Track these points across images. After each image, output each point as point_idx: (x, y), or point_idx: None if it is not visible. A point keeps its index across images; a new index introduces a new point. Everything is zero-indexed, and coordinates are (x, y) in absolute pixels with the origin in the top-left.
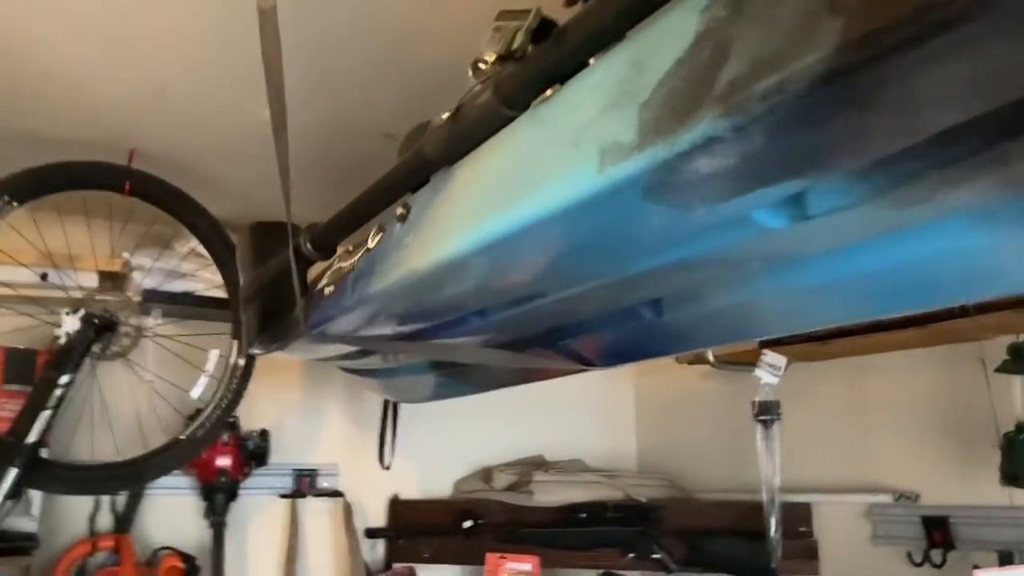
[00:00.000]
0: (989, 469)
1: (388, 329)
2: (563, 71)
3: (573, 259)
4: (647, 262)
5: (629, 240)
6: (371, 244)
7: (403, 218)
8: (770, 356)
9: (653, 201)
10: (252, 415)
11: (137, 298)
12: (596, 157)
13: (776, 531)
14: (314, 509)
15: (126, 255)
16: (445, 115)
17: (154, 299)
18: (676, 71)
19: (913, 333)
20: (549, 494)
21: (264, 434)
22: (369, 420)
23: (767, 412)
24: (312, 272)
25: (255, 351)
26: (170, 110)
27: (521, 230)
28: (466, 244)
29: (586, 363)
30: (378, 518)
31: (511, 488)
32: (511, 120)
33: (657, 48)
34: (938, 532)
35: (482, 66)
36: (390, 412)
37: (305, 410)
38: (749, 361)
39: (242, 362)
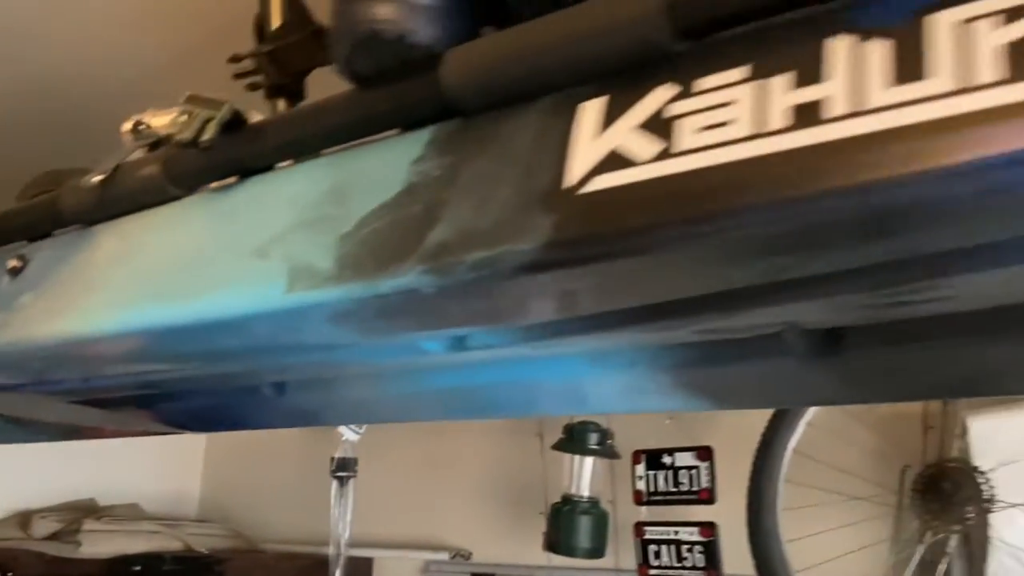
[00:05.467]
0: (535, 533)
1: None
2: (249, 167)
3: (231, 354)
4: (305, 359)
5: (297, 345)
6: None
7: (16, 272)
8: None
9: (336, 324)
10: None
11: None
12: (286, 277)
13: None
14: None
15: None
16: (96, 178)
17: None
18: (381, 214)
19: None
20: (99, 545)
21: None
22: None
23: (344, 468)
24: None
25: None
26: None
27: (190, 327)
28: (117, 325)
29: (181, 427)
30: None
31: (54, 537)
32: (175, 199)
33: (365, 182)
34: None
35: (143, 129)
36: None
37: None
38: None
39: None
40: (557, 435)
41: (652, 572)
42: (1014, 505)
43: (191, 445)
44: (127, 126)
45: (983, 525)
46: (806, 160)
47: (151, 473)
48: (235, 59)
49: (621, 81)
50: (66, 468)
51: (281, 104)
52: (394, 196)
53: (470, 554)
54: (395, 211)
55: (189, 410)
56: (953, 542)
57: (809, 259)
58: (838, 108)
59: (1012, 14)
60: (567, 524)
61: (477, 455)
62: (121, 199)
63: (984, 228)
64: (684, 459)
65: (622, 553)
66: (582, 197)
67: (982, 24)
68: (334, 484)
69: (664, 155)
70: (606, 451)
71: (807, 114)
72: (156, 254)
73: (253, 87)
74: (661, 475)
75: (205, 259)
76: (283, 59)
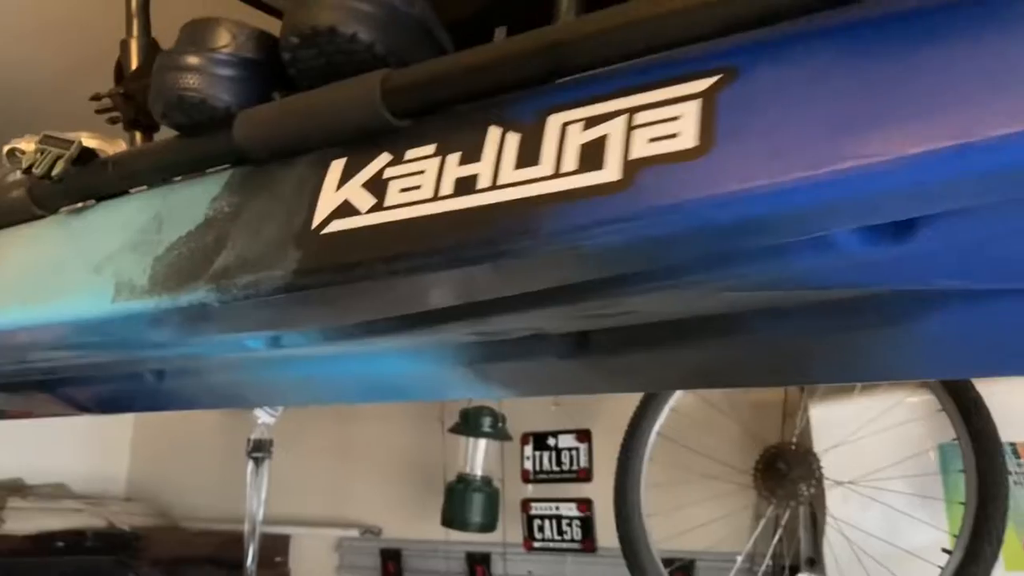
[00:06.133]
0: (439, 510)
1: None
2: (100, 193)
3: (84, 350)
4: (151, 354)
5: (136, 344)
6: None
7: None
8: None
9: (155, 328)
10: None
11: None
12: (112, 289)
13: (253, 561)
14: None
15: None
16: None
17: None
18: (186, 241)
19: None
20: (23, 521)
21: None
22: None
23: (260, 449)
24: None
25: None
26: None
27: (38, 328)
28: None
29: (82, 409)
30: None
31: None
32: (40, 218)
33: (177, 213)
34: (392, 562)
35: (19, 155)
36: None
37: None
38: None
39: None
40: (456, 420)
41: (536, 545)
42: (839, 483)
43: (118, 428)
44: (6, 149)
45: (822, 502)
46: (460, 220)
47: (79, 455)
48: (96, 97)
49: (360, 146)
50: None
51: (138, 136)
52: (196, 227)
53: (380, 530)
54: (195, 239)
55: (86, 394)
56: (787, 516)
57: (481, 291)
58: (483, 182)
59: (589, 122)
60: (461, 501)
61: (385, 438)
62: None
63: (583, 270)
64: (566, 441)
65: (510, 527)
66: (321, 237)
67: (572, 127)
68: (250, 464)
69: (377, 208)
70: (498, 434)
71: (465, 185)
72: (21, 265)
73: (112, 121)
74: (546, 455)
75: (56, 271)
76: (137, 99)
